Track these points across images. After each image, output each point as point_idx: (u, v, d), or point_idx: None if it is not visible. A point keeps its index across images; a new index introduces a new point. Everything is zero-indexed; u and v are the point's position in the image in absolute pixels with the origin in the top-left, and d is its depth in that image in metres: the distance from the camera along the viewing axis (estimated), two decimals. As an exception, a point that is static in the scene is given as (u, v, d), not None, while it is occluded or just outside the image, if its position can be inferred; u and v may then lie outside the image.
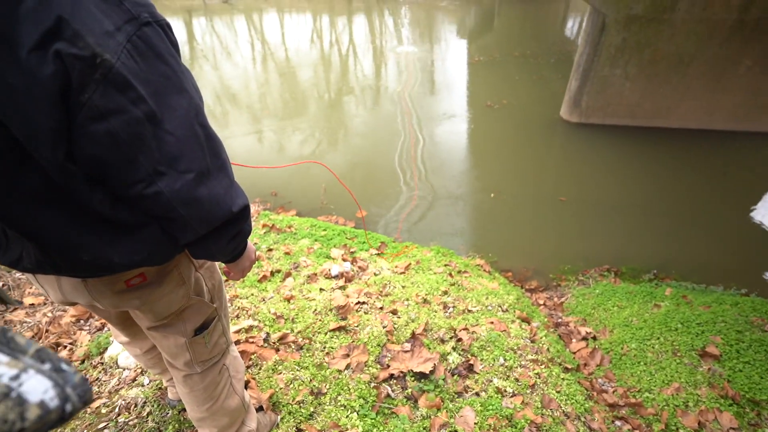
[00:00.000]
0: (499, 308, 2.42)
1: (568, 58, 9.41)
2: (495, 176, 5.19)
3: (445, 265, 2.94)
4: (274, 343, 1.93)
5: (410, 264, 2.83)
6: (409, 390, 1.75)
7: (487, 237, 4.15)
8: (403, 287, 2.45)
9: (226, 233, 0.74)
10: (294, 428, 1.55)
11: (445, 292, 2.47)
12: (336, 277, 2.52)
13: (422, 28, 14.64)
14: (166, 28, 0.61)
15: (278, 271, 2.58)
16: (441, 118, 6.73)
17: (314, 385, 1.72)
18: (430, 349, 1.94)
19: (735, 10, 5.05)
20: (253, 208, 4.01)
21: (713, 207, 4.50)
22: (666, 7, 5.14)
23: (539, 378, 1.91)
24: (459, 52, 10.75)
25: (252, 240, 3.04)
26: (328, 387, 1.72)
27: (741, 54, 5.30)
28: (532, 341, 2.20)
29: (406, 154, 5.63)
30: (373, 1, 20.21)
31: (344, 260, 2.78)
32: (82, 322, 2.17)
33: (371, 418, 1.60)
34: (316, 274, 2.55)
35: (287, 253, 2.87)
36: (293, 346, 1.92)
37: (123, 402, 1.66)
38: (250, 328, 1.98)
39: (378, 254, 3.10)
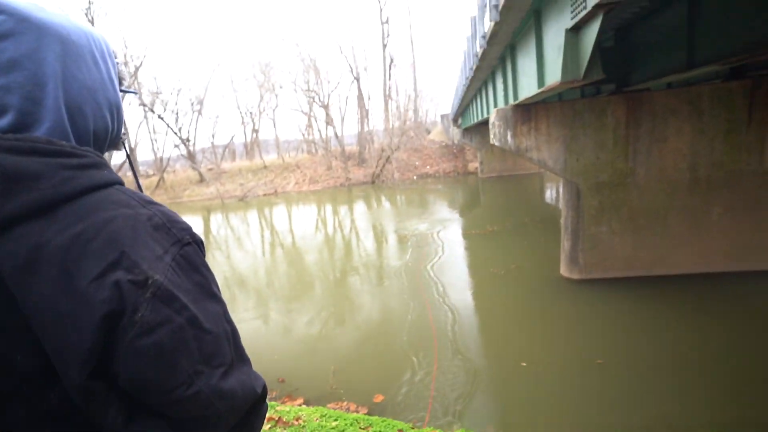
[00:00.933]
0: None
1: (553, 222, 10.17)
2: (513, 344, 4.99)
3: (474, 453, 2.57)
4: None
5: (434, 454, 2.47)
6: None
7: (510, 412, 3.74)
8: (430, 487, 2.09)
9: (254, 416, 0.71)
10: None
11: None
12: (350, 479, 2.17)
13: (418, 207, 16.17)
14: (200, 245, 0.69)
15: (284, 478, 2.24)
16: (451, 289, 6.84)
17: None
18: None
19: (686, 171, 5.75)
20: (257, 400, 3.72)
21: (746, 355, 4.19)
22: (626, 173, 5.85)
23: None
24: (456, 227, 11.62)
25: (255, 439, 2.72)
26: None
27: (708, 203, 5.79)
28: None
29: (420, 330, 5.53)
30: (371, 190, 22.92)
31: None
32: None
33: None
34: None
35: (294, 453, 2.54)
36: None
37: None
38: None
39: (396, 445, 2.74)
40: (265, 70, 31.41)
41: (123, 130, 0.79)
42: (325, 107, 29.05)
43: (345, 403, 3.85)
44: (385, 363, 4.70)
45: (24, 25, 0.59)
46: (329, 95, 30.08)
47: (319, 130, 31.52)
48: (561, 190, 6.61)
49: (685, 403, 3.58)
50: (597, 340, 4.80)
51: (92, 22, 23.60)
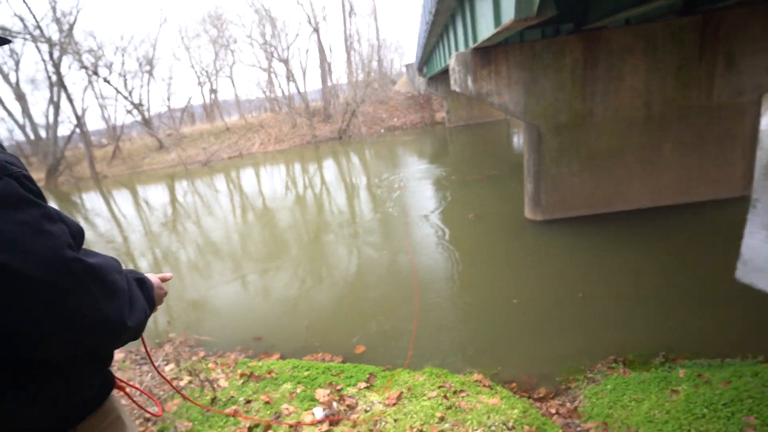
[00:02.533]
0: (504, 426, 2.20)
1: (519, 167, 10.35)
2: (481, 284, 5.20)
3: (440, 387, 2.74)
4: None
5: (402, 393, 2.63)
6: None
7: (482, 348, 3.97)
8: (396, 421, 2.23)
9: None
10: None
11: (442, 418, 2.25)
12: (321, 421, 2.29)
13: (387, 161, 16.06)
14: (21, 179, 0.60)
15: (257, 425, 2.34)
16: (424, 238, 6.97)
17: None
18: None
19: (641, 108, 5.88)
20: (231, 357, 3.79)
21: (698, 278, 4.54)
22: (585, 114, 5.93)
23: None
24: (425, 178, 11.65)
25: (229, 393, 2.80)
26: None
27: (661, 139, 5.99)
28: (548, 460, 1.95)
29: (396, 280, 5.66)
30: (339, 146, 22.49)
31: (329, 401, 2.56)
32: None
33: None
34: (299, 423, 2.31)
35: (267, 402, 2.64)
36: None
37: None
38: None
39: (367, 387, 2.88)
40: (217, 24, 29.32)
41: None
42: (285, 62, 27.66)
43: (320, 354, 3.97)
44: (363, 314, 4.84)
45: None
46: (288, 48, 28.60)
47: (280, 87, 30.29)
48: (523, 133, 6.67)
49: (632, 328, 3.89)
50: (558, 276, 5.06)
51: (13, -25, 21.06)
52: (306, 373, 3.05)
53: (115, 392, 0.88)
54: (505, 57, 5.74)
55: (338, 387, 2.83)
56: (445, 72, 14.78)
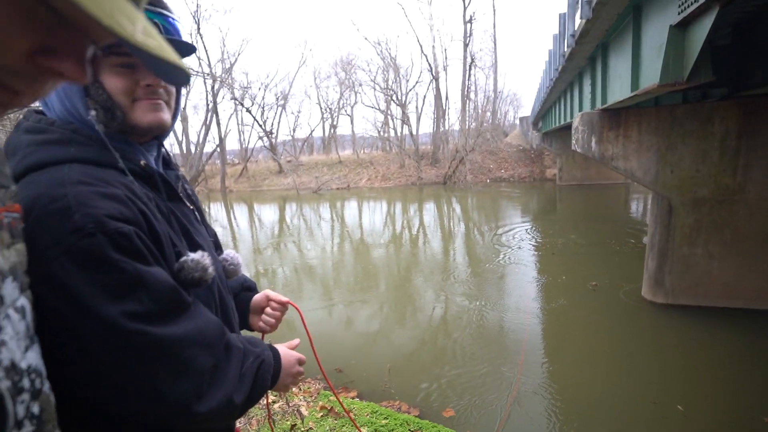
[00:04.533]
0: None
1: (635, 238, 9.25)
2: (585, 366, 4.64)
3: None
4: None
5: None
6: None
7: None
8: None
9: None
10: None
11: None
12: (394, 480, 2.16)
13: (490, 212, 15.68)
14: (115, 236, 0.58)
15: (331, 467, 2.30)
16: (520, 301, 6.56)
17: None
18: None
19: (815, 189, 4.89)
20: (313, 386, 3.86)
21: None
22: (733, 189, 5.13)
23: None
24: (528, 236, 11.09)
25: (308, 424, 2.83)
26: None
27: (843, 232, 4.88)
28: None
29: (480, 337, 5.37)
30: (443, 190, 22.67)
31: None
32: None
33: None
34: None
35: (343, 444, 2.59)
36: None
37: None
38: None
39: (445, 453, 2.68)
40: (346, 68, 32.43)
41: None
42: (402, 105, 29.25)
43: (398, 402, 3.84)
44: (445, 368, 4.61)
45: None
46: (407, 94, 30.27)
47: (394, 128, 31.89)
48: (649, 204, 5.99)
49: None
50: (672, 375, 4.28)
51: (198, 24, 26.06)
52: (384, 422, 2.96)
53: None
54: (637, 120, 5.30)
55: (414, 445, 2.68)
56: (562, 129, 14.20)
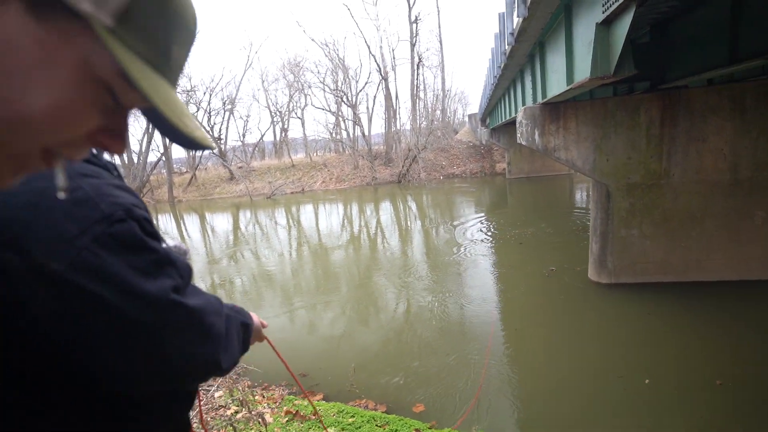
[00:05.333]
0: None
1: (581, 224, 9.86)
2: (538, 348, 4.89)
3: (491, 456, 2.53)
4: None
5: (450, 455, 2.45)
6: None
7: (532, 416, 3.65)
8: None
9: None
10: None
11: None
12: (364, 475, 2.18)
13: (445, 208, 16.04)
14: (142, 222, 0.61)
15: (299, 470, 2.28)
16: (477, 291, 6.77)
17: None
18: None
19: (726, 171, 5.45)
20: (277, 392, 3.79)
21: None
22: (659, 174, 5.60)
23: None
24: (482, 228, 11.46)
25: (273, 430, 2.78)
26: None
27: (751, 206, 5.46)
28: None
29: (441, 331, 5.49)
30: (398, 189, 22.91)
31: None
32: None
33: None
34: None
35: (311, 446, 2.57)
36: None
37: None
38: None
39: (412, 444, 2.73)
40: (294, 70, 31.94)
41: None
42: (353, 106, 29.25)
43: (363, 400, 3.86)
44: (406, 363, 4.69)
45: None
46: (357, 95, 30.29)
47: (346, 130, 31.80)
48: (590, 191, 6.41)
49: (713, 423, 3.40)
50: (621, 347, 4.62)
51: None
52: (351, 420, 2.96)
53: None
54: (574, 113, 5.66)
55: (382, 439, 2.71)
56: (508, 124, 14.82)
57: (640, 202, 5.74)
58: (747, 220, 5.52)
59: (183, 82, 28.05)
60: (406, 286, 7.26)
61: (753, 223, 5.51)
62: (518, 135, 6.40)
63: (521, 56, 6.15)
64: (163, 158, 28.58)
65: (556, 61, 4.76)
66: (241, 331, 0.81)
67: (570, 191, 16.85)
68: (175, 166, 32.23)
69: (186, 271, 0.67)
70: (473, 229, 10.92)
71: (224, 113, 30.93)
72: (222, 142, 30.36)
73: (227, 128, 34.28)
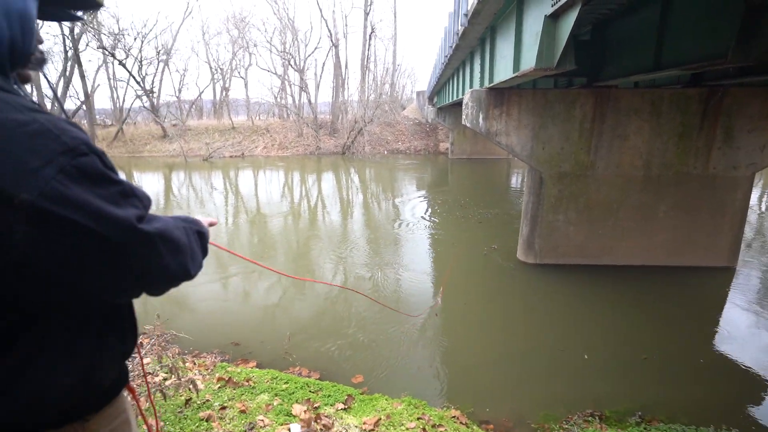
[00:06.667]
0: (479, 467, 2.18)
1: (514, 206, 10.50)
2: (466, 320, 5.21)
3: (418, 419, 2.71)
4: None
5: (380, 419, 2.59)
6: None
7: (462, 384, 3.94)
8: (372, 447, 2.20)
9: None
10: None
11: (419, 451, 2.22)
12: (296, 438, 2.24)
13: (387, 182, 16.18)
14: (102, 156, 0.66)
15: (231, 435, 2.29)
16: (407, 266, 6.98)
17: None
18: None
19: (640, 168, 6.07)
20: (209, 359, 3.72)
21: (678, 343, 4.58)
22: (587, 165, 6.09)
23: None
24: (421, 205, 11.75)
25: (204, 396, 2.74)
26: None
27: (657, 200, 6.16)
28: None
29: (368, 301, 5.64)
30: (341, 161, 22.65)
31: (309, 419, 2.51)
32: None
33: None
34: (274, 436, 2.27)
35: (243, 411, 2.58)
36: None
37: None
38: None
39: (345, 409, 2.84)
40: (239, 26, 29.80)
41: (38, 48, 0.74)
42: (301, 72, 28.09)
43: (298, 368, 3.92)
44: (341, 333, 4.79)
45: None
46: (305, 59, 29.06)
47: (292, 95, 30.55)
48: (525, 176, 6.81)
49: (610, 383, 3.91)
50: (543, 321, 5.09)
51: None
52: (284, 386, 3.00)
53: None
54: (518, 100, 5.91)
55: (316, 405, 2.79)
56: (455, 104, 15.12)
57: (567, 190, 6.21)
58: (653, 213, 6.22)
59: (110, 23, 25.07)
60: (345, 258, 7.33)
61: (657, 215, 6.21)
62: (463, 116, 6.58)
63: (473, 39, 6.25)
64: (84, 107, 25.70)
65: (504, 47, 4.90)
66: (198, 239, 0.86)
67: (507, 175, 17.74)
68: (98, 117, 29.16)
69: (147, 201, 0.73)
70: (414, 206, 11.19)
71: (158, 64, 28.22)
72: (154, 96, 27.81)
73: (161, 81, 31.47)
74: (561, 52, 3.40)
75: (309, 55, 29.63)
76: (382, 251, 7.68)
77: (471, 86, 7.30)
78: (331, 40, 27.60)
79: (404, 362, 4.18)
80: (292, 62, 28.39)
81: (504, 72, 4.95)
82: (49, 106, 25.16)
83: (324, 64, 39.16)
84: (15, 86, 0.68)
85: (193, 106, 33.04)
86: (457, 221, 9.55)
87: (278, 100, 31.38)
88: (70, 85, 24.94)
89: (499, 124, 6.01)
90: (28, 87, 0.75)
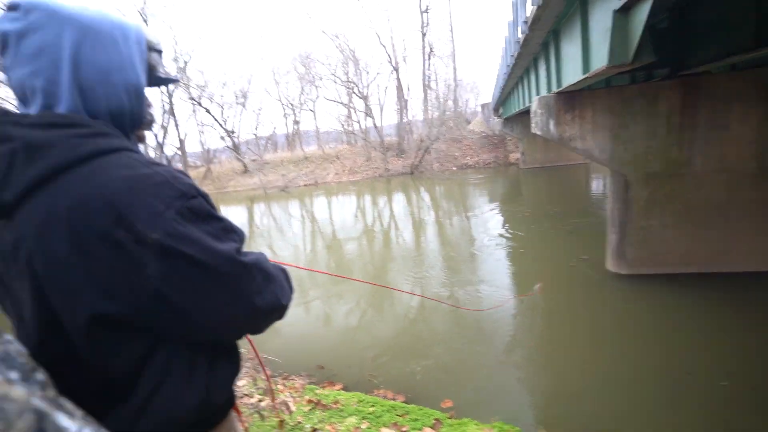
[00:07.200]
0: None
1: (597, 214, 9.72)
2: (558, 339, 4.89)
3: (510, 446, 2.56)
4: None
5: (469, 445, 2.49)
6: None
7: (559, 410, 3.66)
8: (464, 475, 2.12)
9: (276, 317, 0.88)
10: None
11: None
12: (386, 463, 2.24)
13: (459, 199, 15.97)
14: (206, 197, 0.76)
15: (323, 457, 2.35)
16: (489, 282, 6.77)
17: None
18: None
19: (751, 159, 5.30)
20: (298, 382, 3.89)
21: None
22: (681, 163, 5.48)
23: None
24: (496, 218, 11.40)
25: (296, 418, 2.86)
26: None
27: (778, 196, 5.32)
28: None
29: (454, 322, 5.52)
30: (410, 180, 22.86)
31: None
32: None
33: None
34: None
35: (332, 435, 2.65)
36: None
37: None
38: None
39: (431, 433, 2.78)
40: (305, 63, 31.89)
41: (149, 112, 0.86)
42: (364, 98, 29.15)
43: (382, 390, 3.93)
44: (423, 355, 4.73)
45: (51, 18, 0.68)
46: (368, 86, 30.14)
47: (358, 121, 31.73)
48: (608, 180, 6.31)
49: (733, 421, 3.37)
50: (640, 340, 4.59)
51: (146, 21, 24.87)
52: (371, 409, 3.03)
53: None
54: (591, 102, 5.56)
55: (403, 428, 2.77)
56: (522, 113, 14.63)
57: (660, 192, 5.64)
58: (772, 210, 5.38)
59: (195, 77, 28.33)
60: (421, 278, 7.29)
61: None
62: (532, 124, 6.34)
63: (535, 45, 6.06)
64: (179, 152, 29.02)
65: (571, 49, 4.68)
66: (283, 274, 0.93)
67: (586, 181, 16.60)
68: (189, 159, 32.68)
69: (243, 235, 0.82)
70: (488, 220, 10.87)
71: (237, 107, 31.16)
72: (235, 135, 30.63)
73: (240, 122, 34.59)
74: (636, 45, 3.17)
75: (371, 82, 30.68)
76: (460, 269, 7.53)
77: (538, 93, 7.03)
78: (392, 65, 28.39)
79: (493, 384, 4.01)
80: (355, 90, 29.61)
81: (573, 75, 4.72)
82: (152, 153, 28.82)
83: (386, 87, 40.30)
84: (136, 146, 0.82)
85: (269, 141, 35.73)
86: (539, 233, 9.08)
87: (345, 127, 32.77)
88: (167, 134, 28.37)
89: (573, 128, 5.69)
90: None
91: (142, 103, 0.81)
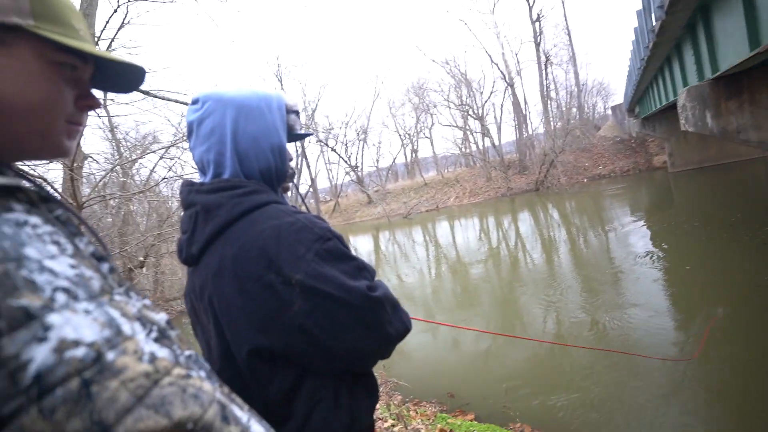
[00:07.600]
0: None
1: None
2: (738, 372, 3.95)
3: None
4: None
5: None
6: None
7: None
8: None
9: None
10: None
11: None
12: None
13: (592, 214, 14.44)
14: (340, 239, 0.84)
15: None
16: (642, 306, 5.88)
17: None
18: None
19: None
20: (429, 409, 3.82)
21: None
22: None
23: None
24: (642, 236, 9.95)
25: (429, 449, 2.79)
26: None
27: None
28: None
29: (607, 341, 4.88)
30: (536, 198, 21.51)
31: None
32: None
33: None
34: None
35: (468, 469, 2.50)
36: None
37: None
38: None
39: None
40: (418, 93, 33.09)
41: (290, 165, 0.98)
42: (480, 119, 28.81)
43: (519, 424, 3.62)
44: (564, 387, 4.25)
45: (218, 104, 0.85)
46: (483, 106, 29.76)
47: (475, 143, 31.38)
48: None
49: None
50: None
51: (281, 81, 28.90)
52: (507, 445, 2.80)
53: None
54: (765, 82, 4.55)
55: (545, 470, 2.48)
56: (665, 110, 12.71)
57: None
58: None
59: (322, 121, 31.64)
60: (556, 303, 6.65)
61: None
62: (681, 120, 5.44)
63: (675, 29, 5.26)
64: (311, 190, 32.33)
65: (728, 25, 3.93)
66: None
67: (765, 178, 13.45)
68: (320, 195, 36.15)
69: (373, 272, 0.90)
70: (631, 236, 9.50)
71: (358, 143, 33.69)
72: (359, 169, 32.98)
73: (362, 156, 37.16)
74: (827, 2, 2.51)
75: (486, 101, 30.23)
76: (601, 291, 6.68)
77: (685, 84, 6.04)
78: (506, 81, 27.63)
79: (652, 423, 3.37)
80: (470, 112, 29.47)
81: (733, 54, 3.94)
82: (289, 194, 32.67)
83: (502, 105, 39.22)
84: (282, 197, 0.97)
85: (389, 172, 37.52)
86: (714, 246, 7.57)
87: (463, 150, 32.67)
88: (300, 174, 31.95)
89: (741, 118, 4.70)
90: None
91: (285, 159, 0.94)
